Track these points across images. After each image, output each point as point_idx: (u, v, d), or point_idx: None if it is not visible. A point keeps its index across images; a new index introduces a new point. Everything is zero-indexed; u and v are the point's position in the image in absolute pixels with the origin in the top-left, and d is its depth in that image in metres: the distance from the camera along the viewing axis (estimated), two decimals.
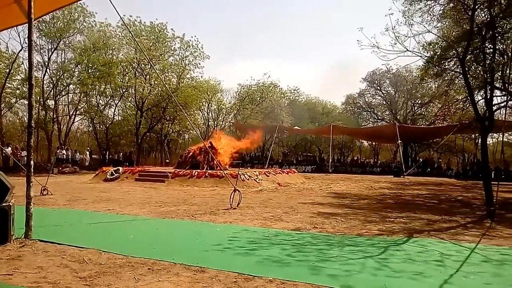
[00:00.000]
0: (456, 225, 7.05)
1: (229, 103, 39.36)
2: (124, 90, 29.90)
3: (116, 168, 17.00)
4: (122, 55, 29.55)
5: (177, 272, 3.84)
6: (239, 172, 12.66)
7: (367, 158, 45.14)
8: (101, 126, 31.89)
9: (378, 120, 40.42)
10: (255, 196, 11.44)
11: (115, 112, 32.93)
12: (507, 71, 9.80)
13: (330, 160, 32.68)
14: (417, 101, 38.98)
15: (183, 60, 30.61)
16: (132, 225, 6.64)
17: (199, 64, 30.93)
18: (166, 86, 26.21)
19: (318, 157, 40.35)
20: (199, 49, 30.32)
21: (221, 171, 13.99)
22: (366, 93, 41.06)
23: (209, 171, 15.58)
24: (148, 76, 29.50)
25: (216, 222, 6.79)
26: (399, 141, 27.88)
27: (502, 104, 12.72)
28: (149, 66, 27.59)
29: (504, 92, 12.41)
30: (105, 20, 29.16)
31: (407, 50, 9.48)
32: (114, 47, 28.76)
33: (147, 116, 31.20)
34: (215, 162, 15.59)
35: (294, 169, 23.04)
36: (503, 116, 21.50)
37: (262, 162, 32.28)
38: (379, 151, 48.16)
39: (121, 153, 31.60)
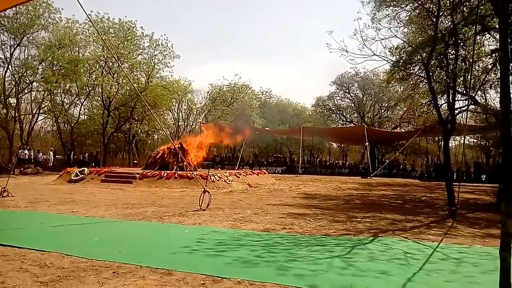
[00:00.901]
0: (420, 225, 7.30)
1: (200, 103, 39.12)
2: (90, 89, 29.08)
3: (81, 169, 16.50)
4: (89, 52, 28.73)
5: (143, 275, 3.77)
6: (209, 173, 12.58)
7: (336, 160, 46.00)
8: (66, 126, 30.89)
9: (346, 122, 41.32)
10: (225, 197, 11.41)
11: (80, 111, 32.08)
12: (469, 77, 10.25)
13: (300, 161, 33.03)
14: (383, 104, 40.18)
15: (152, 59, 30.10)
16: (97, 228, 6.45)
17: (169, 63, 30.55)
18: (135, 85, 25.68)
19: (289, 158, 40.69)
20: (169, 48, 29.92)
21: (191, 172, 13.85)
22: (335, 95, 41.92)
23: (179, 172, 15.39)
24: (116, 75, 28.82)
25: (185, 224, 6.71)
26: (367, 143, 28.56)
27: (464, 108, 13.29)
28: (117, 65, 26.93)
29: (465, 97, 12.98)
30: (73, 16, 28.23)
31: (374, 54, 9.77)
32: (80, 44, 27.89)
33: (115, 116, 30.48)
34: (185, 163, 15.43)
35: (264, 170, 23.17)
36: (465, 119, 22.44)
37: (232, 163, 32.23)
38: (347, 152, 49.20)
39: (87, 154, 30.73)
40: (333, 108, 42.12)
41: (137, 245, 5.16)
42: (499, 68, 12.51)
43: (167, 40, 30.29)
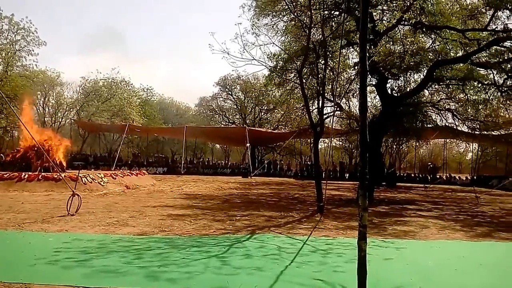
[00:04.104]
0: (292, 220, 7.83)
1: (71, 98, 35.63)
2: None
3: None
4: None
5: None
6: (80, 175, 11.52)
7: (219, 160, 46.75)
8: None
9: (229, 123, 42.34)
10: (99, 201, 10.58)
11: None
12: (335, 85, 11.37)
13: (183, 162, 32.62)
14: (263, 107, 42.27)
15: (12, 45, 26.30)
16: None
17: (33, 51, 27.04)
18: None
19: (171, 159, 39.85)
20: (33, 33, 26.51)
21: (58, 174, 12.49)
22: (218, 96, 42.66)
23: (43, 173, 13.76)
24: None
25: (49, 231, 6.00)
26: (248, 144, 29.65)
27: (331, 113, 14.77)
28: None
29: (332, 103, 14.42)
30: None
31: (254, 59, 10.15)
32: None
33: None
34: (51, 164, 13.85)
35: (144, 171, 22.20)
36: (331, 124, 25.01)
37: (109, 164, 30.14)
38: (229, 153, 50.42)
39: None
40: (216, 109, 42.75)
41: None
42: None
43: (30, 23, 26.78)
